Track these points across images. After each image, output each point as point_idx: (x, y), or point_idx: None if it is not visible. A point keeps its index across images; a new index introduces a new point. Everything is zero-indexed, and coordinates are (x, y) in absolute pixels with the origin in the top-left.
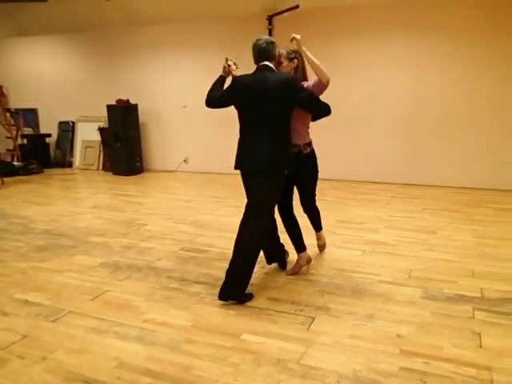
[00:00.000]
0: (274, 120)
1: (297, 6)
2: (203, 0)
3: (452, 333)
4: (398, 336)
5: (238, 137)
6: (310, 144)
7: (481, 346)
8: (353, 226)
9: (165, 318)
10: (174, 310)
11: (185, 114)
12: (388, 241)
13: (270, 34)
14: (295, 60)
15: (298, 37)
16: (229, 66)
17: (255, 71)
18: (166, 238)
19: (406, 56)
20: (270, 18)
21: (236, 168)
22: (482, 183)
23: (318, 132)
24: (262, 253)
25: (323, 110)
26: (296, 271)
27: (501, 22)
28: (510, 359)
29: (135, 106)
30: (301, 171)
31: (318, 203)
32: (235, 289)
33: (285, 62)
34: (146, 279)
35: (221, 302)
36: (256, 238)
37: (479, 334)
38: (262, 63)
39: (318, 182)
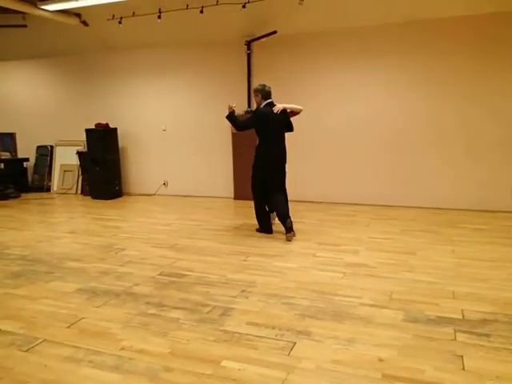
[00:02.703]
0: (281, 133)
1: (274, 32)
2: (182, 25)
3: (434, 356)
4: (380, 360)
5: (258, 143)
6: None
7: (463, 369)
8: (333, 248)
9: (142, 346)
10: (152, 336)
11: (164, 137)
12: (368, 263)
13: (249, 58)
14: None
15: (282, 107)
16: (233, 107)
17: (267, 105)
18: (144, 263)
19: (384, 80)
20: (248, 43)
21: (266, 162)
22: (457, 204)
23: (297, 155)
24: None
25: (291, 128)
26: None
27: (464, 44)
28: (492, 382)
29: (114, 130)
30: None
31: (296, 225)
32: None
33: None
34: (123, 305)
35: (200, 328)
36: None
37: (461, 356)
38: (269, 100)
39: (297, 204)
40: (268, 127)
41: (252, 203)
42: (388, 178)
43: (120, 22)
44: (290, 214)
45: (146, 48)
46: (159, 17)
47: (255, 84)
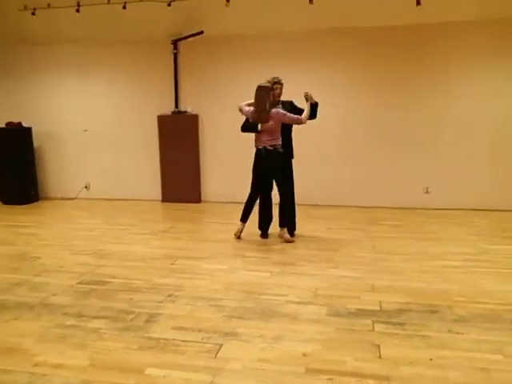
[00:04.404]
0: None
1: (201, 32)
2: (105, 21)
3: (354, 347)
4: (304, 355)
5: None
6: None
7: (380, 357)
8: (261, 249)
9: (59, 360)
10: (69, 349)
11: (86, 137)
12: (295, 261)
13: (176, 58)
14: None
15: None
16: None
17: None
18: (62, 271)
19: (316, 83)
20: (175, 43)
21: None
22: (378, 202)
23: (231, 156)
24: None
25: None
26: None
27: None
28: (406, 367)
29: (28, 130)
30: None
31: (226, 227)
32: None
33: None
34: (38, 318)
35: (123, 336)
36: None
37: (378, 345)
38: None
39: (226, 205)
40: None
41: (182, 205)
42: (316, 179)
43: (33, 14)
44: (221, 216)
45: (66, 44)
46: (77, 10)
47: (184, 83)
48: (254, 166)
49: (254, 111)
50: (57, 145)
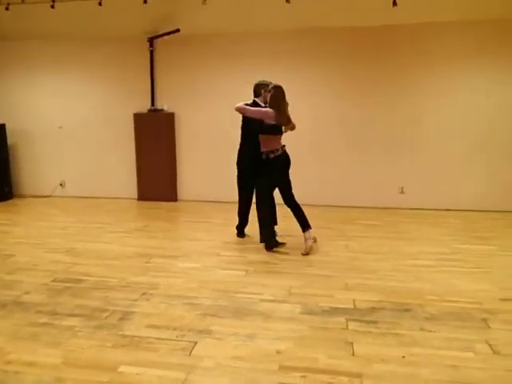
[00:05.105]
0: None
1: (177, 30)
2: (80, 17)
3: (327, 344)
4: (278, 352)
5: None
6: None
7: (353, 355)
8: (237, 247)
9: (32, 358)
10: (42, 347)
11: (61, 135)
12: (270, 260)
13: (152, 55)
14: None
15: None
16: None
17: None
18: (36, 269)
19: (291, 83)
20: (151, 40)
21: None
22: (353, 201)
23: (205, 156)
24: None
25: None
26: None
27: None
28: (378, 365)
29: (2, 126)
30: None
31: (201, 225)
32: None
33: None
34: (11, 316)
35: (97, 334)
36: None
37: (351, 343)
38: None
39: (202, 204)
40: None
41: (158, 204)
42: (291, 178)
43: (7, 9)
44: (197, 215)
45: (41, 40)
46: (52, 6)
47: (160, 81)
48: (279, 171)
49: (278, 113)
50: (31, 142)
